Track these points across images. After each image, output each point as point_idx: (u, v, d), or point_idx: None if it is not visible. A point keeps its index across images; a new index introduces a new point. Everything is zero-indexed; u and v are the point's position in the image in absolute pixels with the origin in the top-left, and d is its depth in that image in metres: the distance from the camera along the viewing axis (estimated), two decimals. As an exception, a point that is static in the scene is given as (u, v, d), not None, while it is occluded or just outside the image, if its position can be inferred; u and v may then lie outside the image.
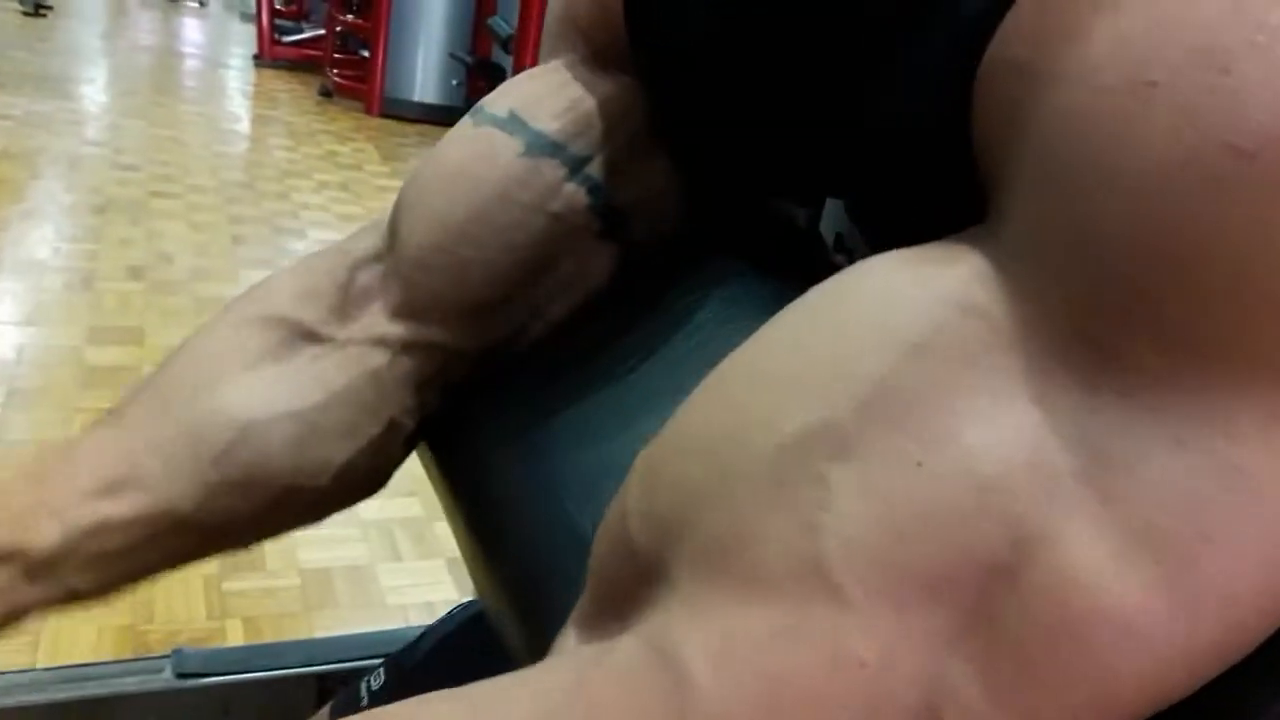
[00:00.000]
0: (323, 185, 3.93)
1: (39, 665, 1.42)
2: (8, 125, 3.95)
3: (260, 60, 6.15)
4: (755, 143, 0.51)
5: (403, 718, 0.35)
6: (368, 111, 5.31)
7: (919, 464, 0.31)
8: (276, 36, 6.18)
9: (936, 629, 0.31)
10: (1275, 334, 0.27)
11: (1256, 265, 0.27)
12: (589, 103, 0.57)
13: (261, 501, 0.54)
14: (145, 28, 7.18)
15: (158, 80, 5.48)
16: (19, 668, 1.37)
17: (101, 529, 0.51)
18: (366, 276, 0.58)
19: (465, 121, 0.59)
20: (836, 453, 0.31)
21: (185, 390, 0.55)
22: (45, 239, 2.89)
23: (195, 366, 0.56)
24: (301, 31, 6.46)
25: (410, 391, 0.58)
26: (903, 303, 0.33)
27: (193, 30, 7.51)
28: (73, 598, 0.52)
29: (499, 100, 0.58)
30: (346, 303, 0.58)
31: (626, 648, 0.35)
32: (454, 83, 5.19)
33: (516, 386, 0.58)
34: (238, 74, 6.02)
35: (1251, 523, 0.29)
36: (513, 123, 0.56)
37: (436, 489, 0.63)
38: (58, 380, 2.12)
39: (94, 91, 4.89)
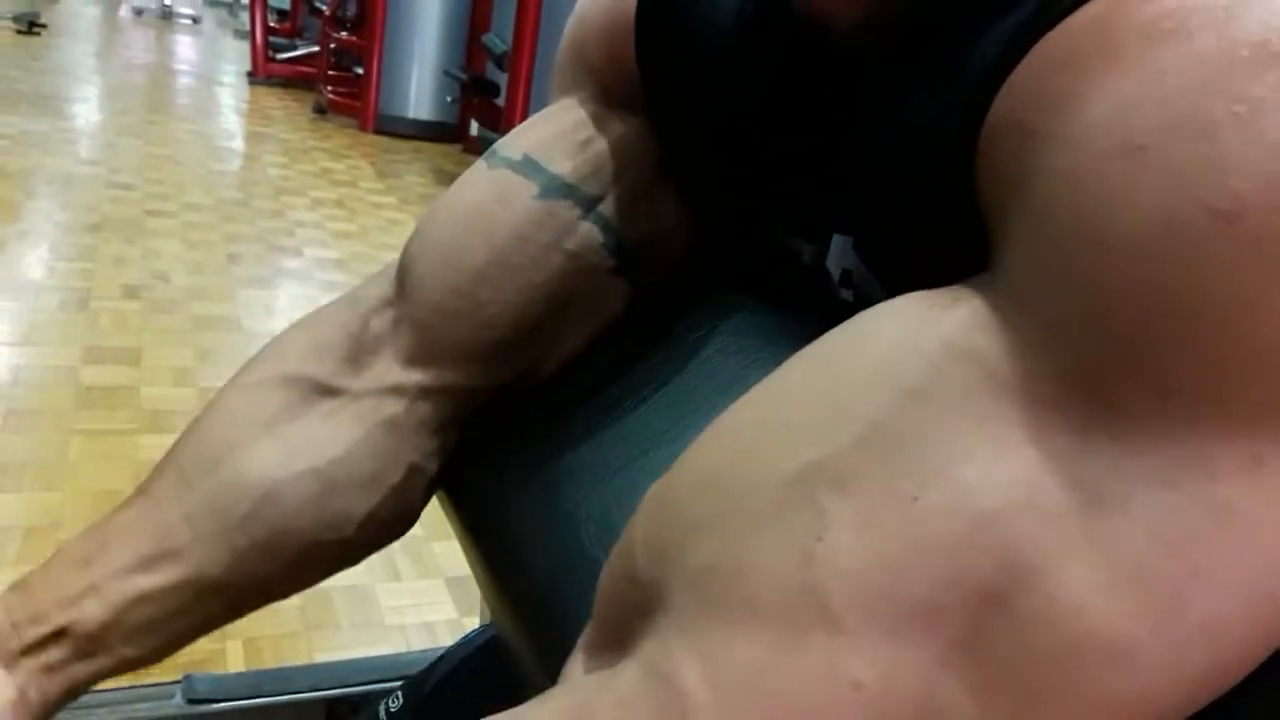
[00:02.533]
0: (318, 202, 3.94)
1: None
2: (2, 145, 3.95)
3: (254, 78, 6.17)
4: (764, 183, 0.52)
5: None
6: (362, 128, 5.33)
7: (914, 499, 0.32)
8: (270, 54, 6.20)
9: (931, 654, 0.32)
10: (1258, 386, 0.29)
11: (1240, 323, 0.29)
12: (600, 143, 0.58)
13: (288, 559, 0.56)
14: (139, 46, 7.18)
15: (152, 98, 5.48)
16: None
17: (141, 601, 0.53)
18: (378, 324, 0.59)
19: (480, 165, 0.60)
20: (834, 486, 0.33)
21: (207, 460, 0.56)
22: (40, 259, 2.89)
23: (215, 435, 0.57)
24: (295, 49, 6.48)
25: (429, 436, 0.58)
26: (904, 348, 0.34)
27: (186, 48, 7.52)
28: (125, 666, 0.54)
29: (513, 143, 0.59)
30: (359, 352, 0.59)
31: (628, 673, 0.36)
32: (448, 99, 5.21)
33: (531, 421, 0.59)
34: (232, 91, 6.04)
35: (1237, 559, 0.30)
36: (528, 165, 0.57)
37: (450, 520, 0.64)
38: (54, 401, 2.12)
39: (88, 110, 4.89)
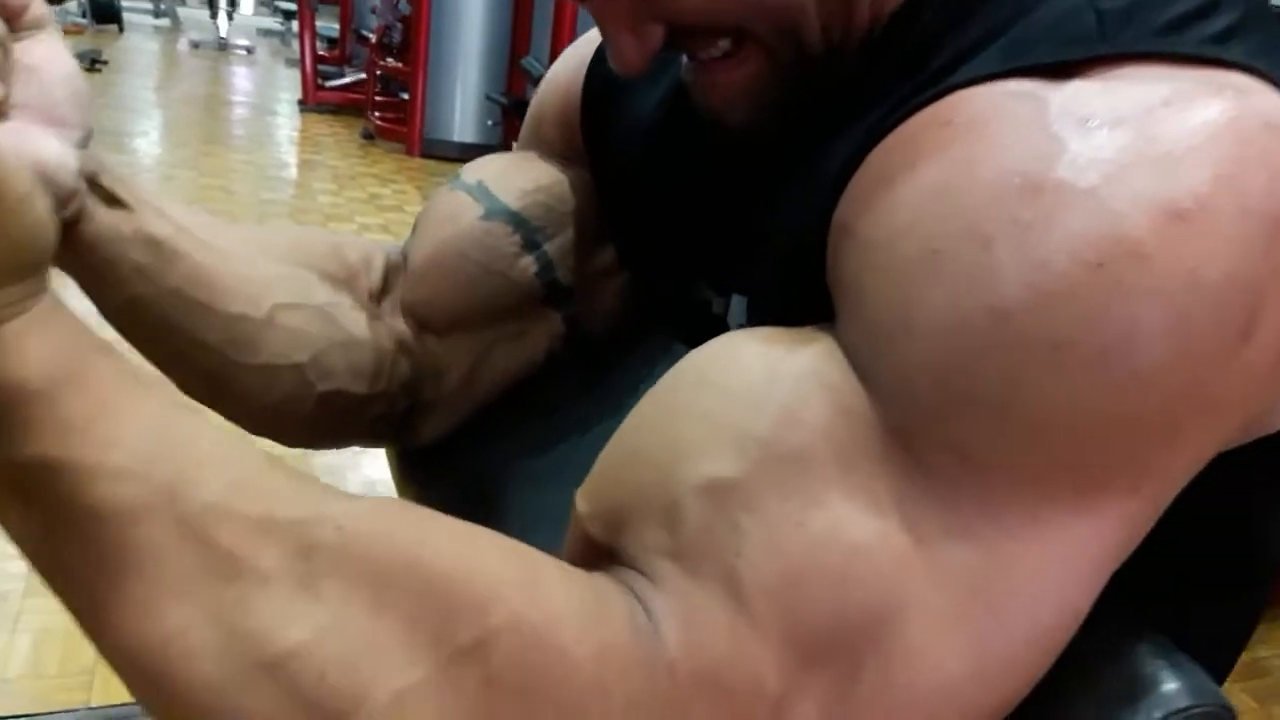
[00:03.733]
0: (364, 228, 4.05)
1: (93, 704, 1.50)
2: (65, 181, 4.12)
3: (305, 105, 6.33)
4: (679, 242, 0.60)
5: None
6: (408, 152, 5.45)
7: (799, 524, 0.37)
8: (320, 82, 6.37)
9: (822, 682, 0.37)
10: (1030, 456, 0.36)
11: (1012, 405, 0.35)
12: (550, 189, 0.67)
13: (278, 357, 0.62)
14: (196, 78, 7.41)
15: (207, 129, 5.66)
16: (74, 706, 1.45)
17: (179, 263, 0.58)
18: (395, 276, 0.70)
19: (446, 184, 0.70)
20: (744, 505, 0.38)
21: (281, 245, 0.66)
22: (99, 292, 3.01)
23: (291, 239, 0.67)
24: (344, 76, 6.64)
25: (396, 382, 0.67)
26: (775, 371, 0.40)
27: (241, 78, 7.74)
28: (120, 289, 0.58)
29: (473, 171, 0.69)
30: (384, 289, 0.69)
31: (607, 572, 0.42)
32: (490, 123, 5.31)
33: (483, 440, 0.67)
34: (284, 120, 6.21)
35: (1024, 602, 0.36)
36: (478, 190, 0.66)
37: None
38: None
39: (147, 144, 5.07)
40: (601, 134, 0.65)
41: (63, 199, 0.51)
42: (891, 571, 0.36)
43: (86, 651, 1.53)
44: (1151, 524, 0.39)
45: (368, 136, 5.72)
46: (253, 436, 0.64)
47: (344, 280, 0.67)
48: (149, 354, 0.61)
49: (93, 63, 6.56)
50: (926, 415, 0.36)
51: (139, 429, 0.34)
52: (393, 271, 0.70)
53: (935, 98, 0.41)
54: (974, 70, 0.41)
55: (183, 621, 0.33)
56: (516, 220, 0.64)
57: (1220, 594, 0.52)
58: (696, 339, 0.47)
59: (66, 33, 7.42)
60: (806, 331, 0.42)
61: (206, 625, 0.33)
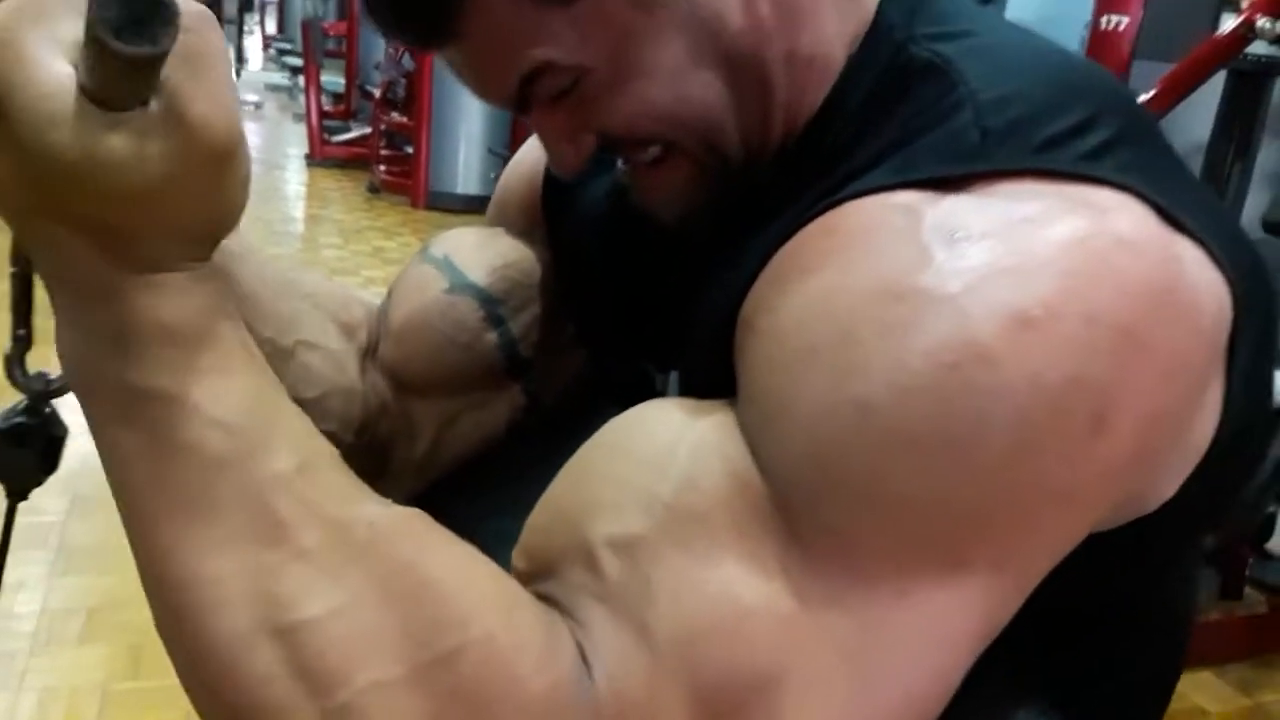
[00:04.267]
0: (369, 281, 4.10)
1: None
2: (75, 239, 4.18)
3: (312, 160, 6.43)
4: (626, 320, 0.66)
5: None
6: (413, 205, 5.53)
7: (698, 580, 0.40)
8: (326, 136, 6.47)
9: None
10: (891, 537, 0.39)
11: (877, 490, 0.39)
12: (515, 266, 0.71)
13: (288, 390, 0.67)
14: (205, 134, 7.51)
15: (215, 185, 5.73)
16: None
17: None
18: (379, 335, 0.74)
19: (416, 256, 0.74)
20: (652, 559, 0.41)
21: (308, 287, 0.70)
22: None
23: (316, 284, 0.72)
24: (350, 131, 6.74)
25: (377, 440, 0.71)
26: (677, 439, 0.44)
27: (250, 133, 7.77)
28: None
29: (439, 245, 0.73)
30: (373, 348, 0.73)
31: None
32: (492, 175, 5.39)
33: (446, 504, 0.70)
34: (291, 174, 6.30)
35: (891, 670, 0.40)
36: (445, 264, 0.71)
37: None
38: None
39: (155, 201, 5.14)
40: (559, 219, 0.70)
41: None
42: (778, 634, 0.39)
43: (90, 710, 1.55)
44: (1024, 596, 0.42)
45: (373, 190, 5.80)
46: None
47: (351, 331, 0.72)
48: None
49: (104, 121, 6.65)
50: (804, 494, 0.40)
51: (244, 393, 0.39)
52: (376, 331, 0.74)
53: (831, 207, 0.45)
54: (867, 183, 0.45)
55: (224, 571, 0.38)
56: (481, 295, 0.69)
57: (1120, 664, 0.54)
58: None
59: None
60: (712, 404, 0.46)
61: (242, 578, 0.38)
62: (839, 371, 0.39)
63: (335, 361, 0.69)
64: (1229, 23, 2.18)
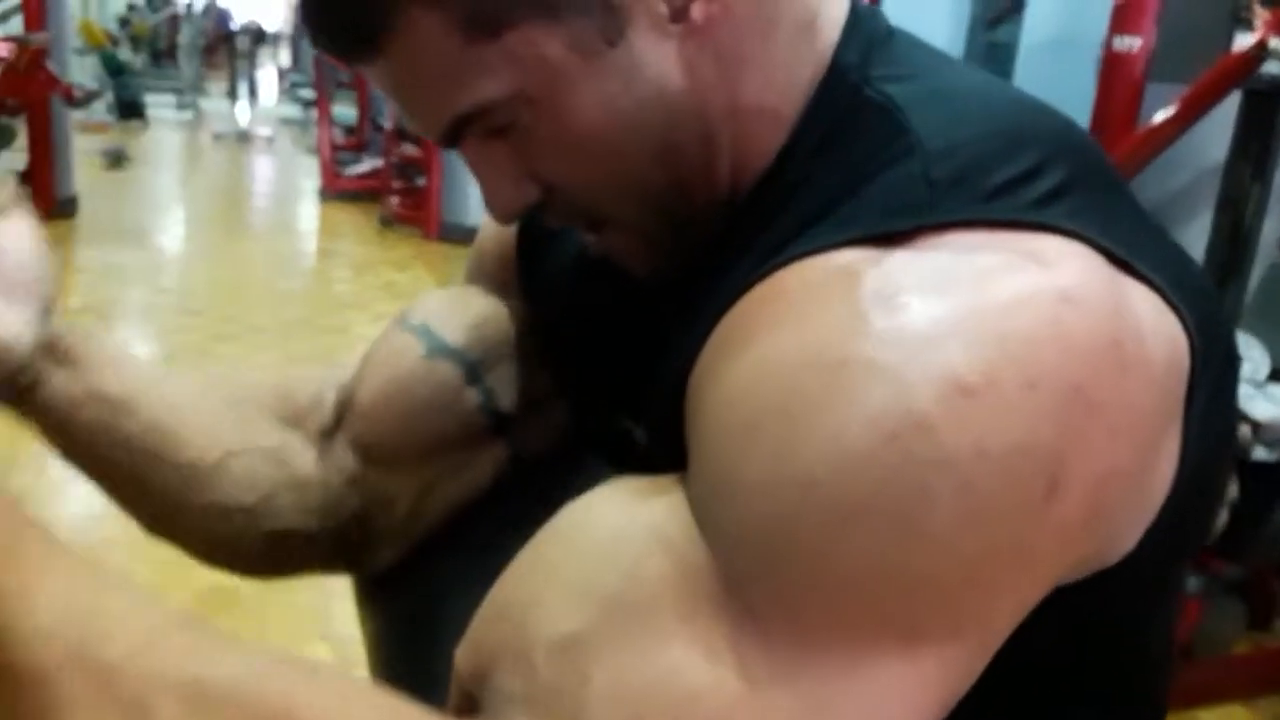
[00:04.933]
0: (379, 316, 4.09)
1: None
2: (88, 279, 4.21)
3: (324, 193, 6.45)
4: (600, 372, 0.65)
5: None
6: (425, 237, 5.53)
7: (641, 672, 0.40)
8: (338, 169, 6.50)
9: None
10: (844, 609, 0.38)
11: (824, 564, 0.38)
12: (491, 324, 0.70)
13: (228, 499, 0.66)
14: (218, 169, 7.60)
15: (228, 221, 5.78)
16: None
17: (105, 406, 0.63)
18: (343, 412, 0.72)
19: (392, 323, 0.72)
20: (592, 658, 0.41)
21: (232, 392, 0.71)
22: (117, 390, 3.06)
23: (242, 386, 0.73)
24: (362, 163, 6.77)
25: (345, 517, 0.70)
26: (622, 532, 0.44)
27: (263, 167, 7.93)
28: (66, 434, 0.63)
29: (416, 311, 0.72)
30: (334, 425, 0.71)
31: None
32: (503, 206, 5.40)
33: (431, 563, 0.69)
34: (303, 208, 6.33)
35: None
36: (422, 330, 0.69)
37: (364, 642, 0.75)
38: (125, 532, 2.22)
39: (167, 239, 5.19)
40: (534, 271, 0.70)
41: (12, 368, 0.58)
42: (726, 716, 0.39)
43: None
44: (986, 659, 0.41)
45: (386, 222, 5.81)
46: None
47: (295, 419, 0.72)
48: (106, 492, 0.66)
49: (118, 159, 6.73)
50: (751, 569, 0.39)
51: (59, 596, 0.38)
52: (341, 405, 0.72)
53: (777, 268, 0.44)
54: (812, 240, 0.44)
55: None
56: (458, 356, 0.68)
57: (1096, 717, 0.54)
58: (621, 465, 0.51)
59: (92, 130, 7.62)
60: (663, 483, 0.45)
61: None
62: (780, 446, 0.39)
63: (274, 458, 0.68)
64: (1242, 43, 2.16)
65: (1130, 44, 2.28)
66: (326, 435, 0.72)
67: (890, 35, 0.54)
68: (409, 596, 0.71)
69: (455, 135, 0.51)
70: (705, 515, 0.42)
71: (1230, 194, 2.36)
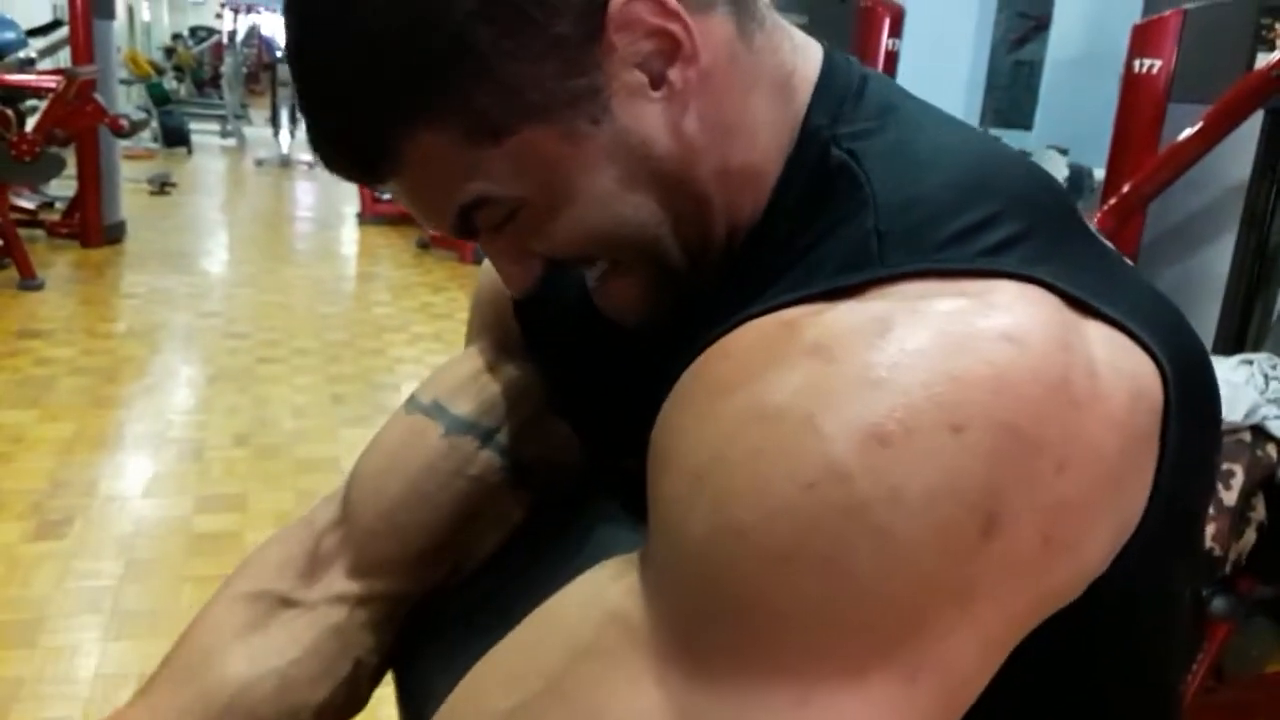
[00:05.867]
0: (417, 338, 4.17)
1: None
2: (134, 303, 4.32)
3: (363, 218, 6.57)
4: (607, 414, 0.67)
5: None
6: (461, 260, 5.62)
7: None
8: (377, 194, 6.60)
9: None
10: (786, 650, 0.39)
11: (761, 609, 0.40)
12: (495, 385, 0.72)
13: None
14: (260, 195, 7.75)
15: (270, 246, 5.90)
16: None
17: None
18: (329, 543, 0.73)
19: (400, 410, 0.75)
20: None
21: (193, 665, 0.70)
22: (161, 412, 3.16)
23: (199, 642, 0.71)
24: (399, 188, 6.87)
25: (370, 634, 0.71)
26: (582, 613, 0.46)
27: (304, 193, 8.06)
28: None
29: (426, 390, 0.74)
30: (313, 567, 0.72)
31: None
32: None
33: (456, 611, 0.71)
34: (343, 233, 6.44)
35: None
36: (435, 409, 0.72)
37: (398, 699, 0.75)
38: (169, 549, 2.31)
39: (211, 263, 5.30)
40: (533, 323, 0.72)
41: None
42: None
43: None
44: (961, 702, 0.42)
45: (423, 246, 5.91)
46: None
47: (265, 611, 0.71)
48: None
49: (163, 186, 6.89)
50: (695, 617, 0.41)
51: None
52: (326, 537, 0.73)
53: (736, 325, 0.46)
54: (768, 299, 0.46)
55: None
56: (472, 427, 0.70)
57: None
58: (634, 505, 0.52)
59: (138, 158, 7.81)
60: (627, 563, 0.47)
61: None
62: (717, 498, 0.40)
63: (262, 690, 0.68)
64: (1264, 62, 2.17)
65: (1151, 65, 2.30)
66: (308, 582, 0.72)
67: (864, 84, 0.55)
68: (437, 643, 0.71)
69: (466, 226, 0.54)
70: (657, 570, 0.44)
71: (1254, 212, 2.36)
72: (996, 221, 0.44)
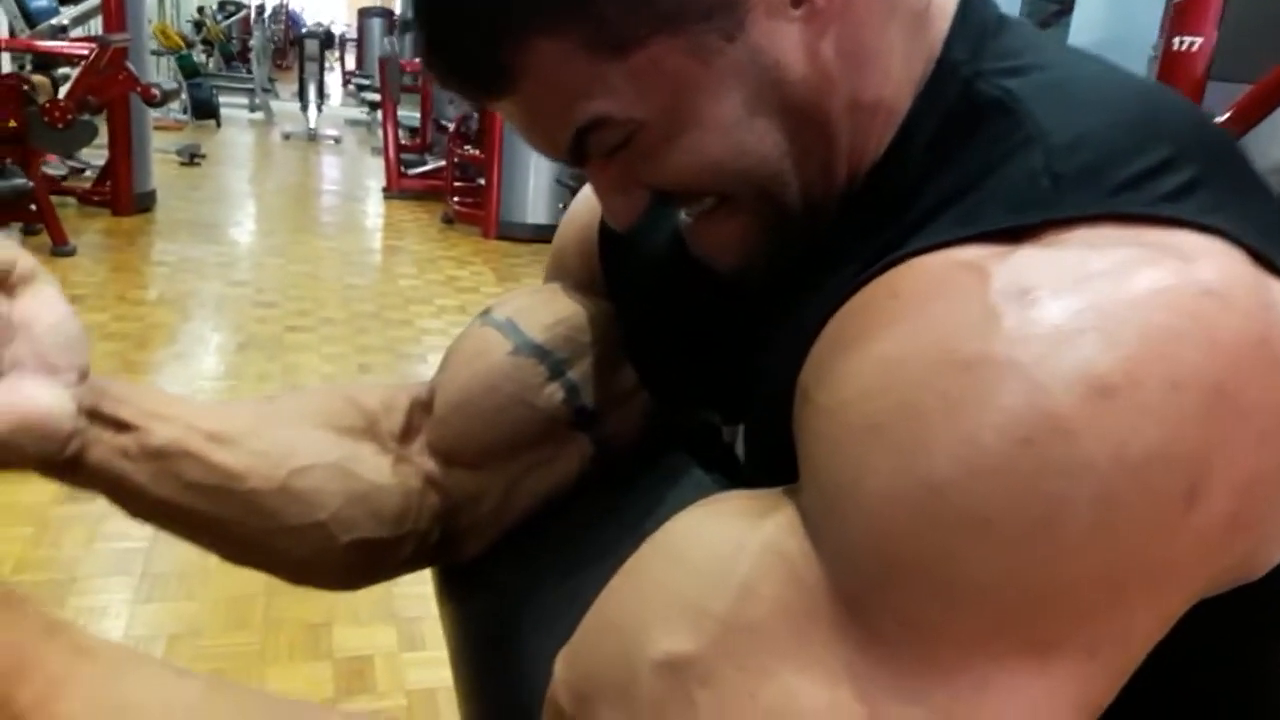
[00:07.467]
0: (442, 310, 4.19)
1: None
2: (165, 271, 4.36)
3: (389, 192, 6.59)
4: (688, 369, 0.65)
5: None
6: (485, 235, 5.63)
7: (752, 695, 0.39)
8: (402, 169, 6.63)
9: None
10: (970, 622, 0.37)
11: (950, 575, 0.36)
12: (573, 321, 0.71)
13: (300, 519, 0.66)
14: (287, 168, 7.77)
15: (297, 218, 5.93)
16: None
17: (191, 459, 0.63)
18: (420, 417, 0.74)
19: (476, 319, 0.75)
20: (700, 681, 0.40)
21: (291, 411, 0.70)
22: (192, 379, 3.19)
23: (302, 403, 0.72)
24: (425, 164, 6.90)
25: (426, 519, 0.72)
26: (736, 547, 0.42)
27: (330, 167, 8.09)
28: (143, 498, 0.63)
29: (502, 307, 0.74)
30: (409, 430, 0.74)
31: None
32: (560, 205, 5.47)
33: (514, 557, 0.71)
34: (369, 206, 6.46)
35: None
36: (508, 326, 0.72)
37: (445, 634, 0.76)
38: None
39: (240, 234, 5.33)
40: (618, 266, 0.70)
41: (61, 440, 0.56)
42: None
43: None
44: (1123, 680, 0.39)
45: (447, 221, 5.92)
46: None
47: (363, 429, 0.72)
48: (179, 535, 0.67)
49: (192, 157, 6.93)
50: (871, 583, 0.38)
51: (81, 701, 0.41)
52: (417, 410, 0.74)
53: (894, 264, 0.42)
54: (930, 236, 0.42)
55: None
56: (542, 353, 0.69)
57: None
58: (708, 462, 0.51)
59: (168, 129, 7.85)
60: (773, 498, 0.44)
61: None
62: (904, 451, 0.37)
63: (341, 472, 0.68)
64: (1307, 41, 2.15)
65: (1191, 43, 2.27)
66: (402, 439, 0.73)
67: (1002, 23, 0.52)
68: (491, 591, 0.72)
69: (579, 151, 0.51)
70: (821, 526, 0.40)
71: (1293, 194, 2.34)
72: (1173, 165, 0.41)
